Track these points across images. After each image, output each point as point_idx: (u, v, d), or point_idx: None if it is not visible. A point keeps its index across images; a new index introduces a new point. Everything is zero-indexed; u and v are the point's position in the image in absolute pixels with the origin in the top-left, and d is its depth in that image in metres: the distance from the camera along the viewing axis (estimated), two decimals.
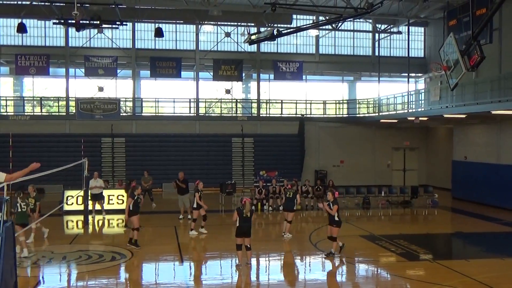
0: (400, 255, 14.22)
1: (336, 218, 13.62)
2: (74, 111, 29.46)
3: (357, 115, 32.70)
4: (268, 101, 33.06)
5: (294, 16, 30.32)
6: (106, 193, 21.50)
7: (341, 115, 33.21)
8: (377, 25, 32.48)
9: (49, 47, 30.22)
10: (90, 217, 19.48)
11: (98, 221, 19.58)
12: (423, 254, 14.50)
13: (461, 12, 23.81)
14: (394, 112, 28.22)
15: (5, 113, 29.85)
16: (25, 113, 30.16)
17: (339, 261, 13.71)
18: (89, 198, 19.66)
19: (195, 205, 16.68)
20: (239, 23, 30.75)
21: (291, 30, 21.94)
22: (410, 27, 30.07)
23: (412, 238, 16.54)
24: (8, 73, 31.55)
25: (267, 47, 32.04)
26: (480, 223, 20.02)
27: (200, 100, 31.68)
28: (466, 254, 15.41)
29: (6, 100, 30.54)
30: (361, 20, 31.62)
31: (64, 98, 30.64)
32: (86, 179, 19.05)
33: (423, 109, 25.57)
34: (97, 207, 20.39)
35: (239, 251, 12.70)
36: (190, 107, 31.63)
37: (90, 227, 18.63)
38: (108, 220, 19.90)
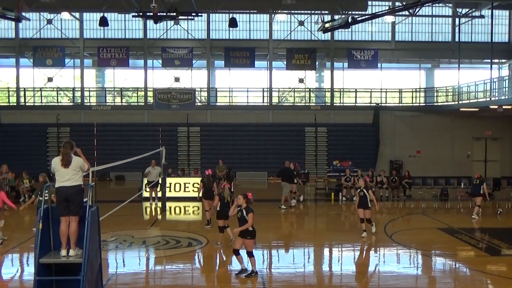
0: (481, 250, 13.66)
1: (251, 228, 10.91)
2: (152, 101, 30.49)
3: (435, 104, 31.57)
4: (342, 90, 32.60)
5: (370, 3, 29.55)
6: (182, 181, 22.19)
7: (418, 104, 32.22)
8: (457, 9, 31.08)
9: (128, 40, 31.40)
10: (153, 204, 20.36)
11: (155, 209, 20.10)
12: (506, 249, 13.83)
13: None
14: (475, 100, 26.99)
15: (89, 104, 31.40)
16: (107, 103, 31.58)
17: (415, 253, 13.39)
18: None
19: (370, 205, 15.23)
20: (312, 11, 30.43)
21: (366, 17, 21.53)
22: (493, 11, 28.53)
23: (494, 232, 15.82)
24: (91, 65, 33.12)
25: (341, 35, 31.57)
26: None
27: (273, 89, 31.78)
28: None
29: (89, 91, 32.11)
30: (440, 4, 30.34)
31: (143, 89, 31.76)
32: (163, 167, 19.69)
33: (506, 97, 24.28)
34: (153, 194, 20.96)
35: (221, 233, 13.61)
36: (263, 97, 31.82)
37: (168, 213, 19.25)
38: (184, 207, 20.50)
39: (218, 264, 12.75)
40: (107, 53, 30.38)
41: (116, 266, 12.28)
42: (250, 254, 10.96)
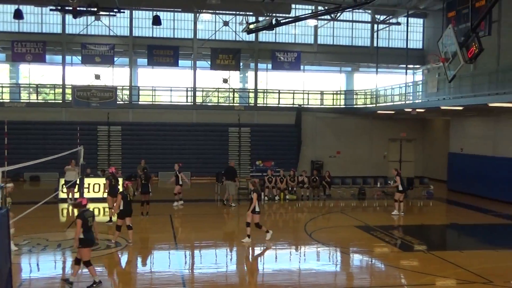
0: (394, 246, 14.27)
1: (81, 236, 10.11)
2: (70, 99, 29.37)
3: (355, 106, 32.68)
4: (265, 91, 32.96)
5: (293, 6, 30.16)
6: (101, 181, 21.51)
7: (339, 106, 33.18)
8: (376, 16, 32.36)
9: (46, 34, 30.04)
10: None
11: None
12: (417, 245, 14.57)
13: (460, 4, 23.67)
14: (392, 103, 28.21)
15: (1, 100, 29.70)
16: (21, 100, 30.04)
17: (334, 251, 13.78)
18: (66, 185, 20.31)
19: (258, 209, 14.43)
20: (237, 12, 30.58)
21: (290, 19, 21.82)
22: (409, 18, 29.96)
23: (406, 229, 16.62)
24: (5, 59, 31.35)
25: (265, 36, 31.94)
26: (475, 215, 20.10)
27: (197, 89, 31.59)
28: (460, 245, 15.49)
29: (2, 87, 30.38)
30: (360, 10, 31.51)
31: (61, 86, 30.50)
32: (82, 167, 19.04)
33: (420, 101, 25.56)
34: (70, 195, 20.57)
35: (118, 232, 13.75)
36: (187, 96, 31.54)
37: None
38: (104, 209, 19.87)
39: (138, 265, 12.49)
40: (22, 48, 28.88)
41: (29, 270, 11.73)
42: (86, 263, 10.15)
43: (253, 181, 14.75)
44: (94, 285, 10.13)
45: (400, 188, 19.38)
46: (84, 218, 10.20)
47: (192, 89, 31.38)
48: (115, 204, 14.34)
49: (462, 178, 25.72)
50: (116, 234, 13.78)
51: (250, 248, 14.41)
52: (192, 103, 31.34)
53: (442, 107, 22.54)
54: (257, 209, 14.25)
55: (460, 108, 22.00)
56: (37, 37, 29.55)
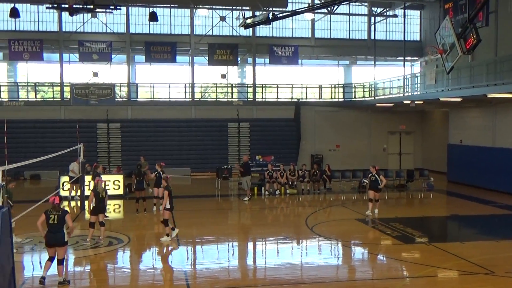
0: (396, 238, 14.30)
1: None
2: (68, 97, 29.31)
3: (353, 99, 32.65)
4: (263, 85, 32.92)
5: (290, 0, 30.09)
6: (103, 178, 21.55)
7: (337, 99, 33.14)
8: (372, 9, 32.30)
9: (42, 32, 29.94)
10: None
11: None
12: (418, 237, 14.61)
13: None
14: (390, 96, 28.20)
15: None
16: (20, 99, 29.96)
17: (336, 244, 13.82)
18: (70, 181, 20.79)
19: (168, 206, 13.86)
20: (234, 7, 30.52)
21: (287, 13, 21.86)
22: (406, 10, 29.89)
23: (407, 221, 16.64)
24: (2, 58, 31.27)
25: (262, 31, 31.84)
26: (475, 206, 20.14)
27: (195, 84, 31.54)
28: (461, 237, 15.53)
29: (0, 86, 30.33)
30: (357, 3, 31.47)
31: (59, 84, 30.44)
32: (81, 165, 19.04)
33: (418, 93, 25.56)
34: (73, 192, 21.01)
35: (92, 228, 13.65)
36: (185, 92, 31.50)
37: (87, 212, 18.60)
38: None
39: (141, 262, 12.52)
40: (19, 46, 28.80)
41: (32, 268, 11.74)
42: (52, 259, 10.24)
43: (165, 177, 14.41)
44: (60, 285, 10.09)
45: (380, 186, 17.94)
46: (46, 215, 10.20)
47: (191, 85, 31.34)
48: (87, 202, 14.28)
49: (462, 170, 25.76)
50: (91, 231, 13.71)
51: (251, 242, 14.46)
52: (190, 99, 31.31)
53: (441, 99, 22.54)
54: (167, 206, 13.77)
55: (459, 99, 22.01)
56: (34, 35, 29.47)
